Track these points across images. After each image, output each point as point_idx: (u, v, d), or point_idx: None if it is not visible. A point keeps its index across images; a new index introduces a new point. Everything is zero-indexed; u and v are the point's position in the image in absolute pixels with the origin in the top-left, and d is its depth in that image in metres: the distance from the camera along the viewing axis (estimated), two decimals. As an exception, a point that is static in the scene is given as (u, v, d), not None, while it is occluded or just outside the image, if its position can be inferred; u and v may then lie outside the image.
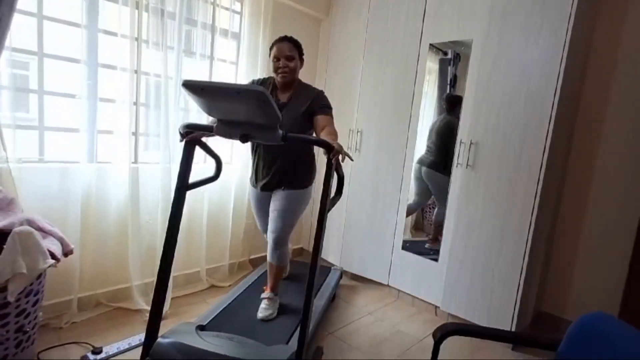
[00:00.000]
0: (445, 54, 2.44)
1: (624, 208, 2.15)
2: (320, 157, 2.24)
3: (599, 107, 2.22)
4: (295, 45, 1.83)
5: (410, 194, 2.57)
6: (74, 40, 1.91)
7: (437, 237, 2.45)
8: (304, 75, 1.95)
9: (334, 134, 1.64)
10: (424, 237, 2.64)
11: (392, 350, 2.00)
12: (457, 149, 2.27)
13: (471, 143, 2.19)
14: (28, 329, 1.56)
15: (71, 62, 1.93)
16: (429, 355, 1.15)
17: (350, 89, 2.84)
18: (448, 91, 2.44)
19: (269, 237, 1.92)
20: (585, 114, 2.27)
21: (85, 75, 1.91)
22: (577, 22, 1.86)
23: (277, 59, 1.79)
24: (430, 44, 2.40)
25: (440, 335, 1.11)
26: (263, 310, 1.92)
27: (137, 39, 2.03)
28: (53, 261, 1.54)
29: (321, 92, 1.87)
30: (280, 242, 1.90)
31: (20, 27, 1.73)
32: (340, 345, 2.01)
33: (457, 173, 2.28)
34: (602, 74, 2.20)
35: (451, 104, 2.39)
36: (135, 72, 2.06)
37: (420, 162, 2.54)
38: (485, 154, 2.15)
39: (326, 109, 1.80)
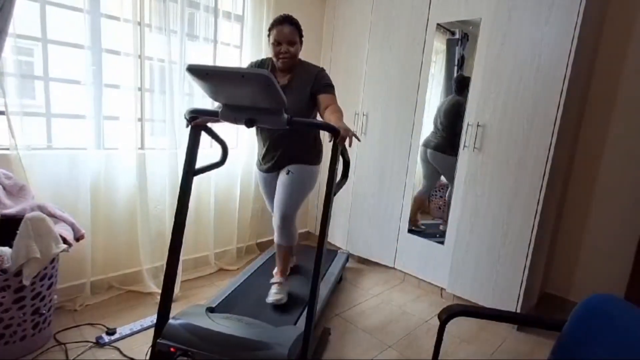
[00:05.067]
0: (453, 33, 2.38)
1: (632, 191, 2.12)
2: (325, 137, 2.23)
3: (611, 87, 2.17)
4: (297, 27, 1.75)
5: (417, 179, 2.56)
6: (77, 25, 1.89)
7: (415, 216, 2.48)
8: (309, 58, 1.92)
9: (339, 112, 1.62)
10: (431, 220, 2.64)
11: (398, 331, 2.04)
12: (464, 131, 2.24)
13: (478, 125, 2.16)
14: (44, 312, 1.62)
15: (75, 47, 1.93)
16: (435, 336, 1.17)
17: (356, 70, 2.80)
18: (456, 72, 2.40)
19: (275, 214, 1.88)
20: (597, 94, 2.22)
21: (89, 61, 1.90)
22: (590, -2, 1.80)
23: (278, 43, 1.71)
24: (438, 24, 2.34)
25: (446, 316, 1.12)
26: (273, 294, 1.90)
27: (139, 23, 2.01)
28: (65, 246, 1.58)
29: (322, 70, 1.82)
30: (286, 219, 1.85)
31: (22, 12, 1.72)
32: (347, 326, 2.05)
33: (464, 155, 2.26)
34: (616, 51, 2.14)
35: (460, 85, 2.33)
36: (139, 57, 2.04)
37: (426, 144, 2.51)
38: (493, 136, 2.12)
39: (329, 87, 1.76)
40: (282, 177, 1.88)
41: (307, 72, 1.80)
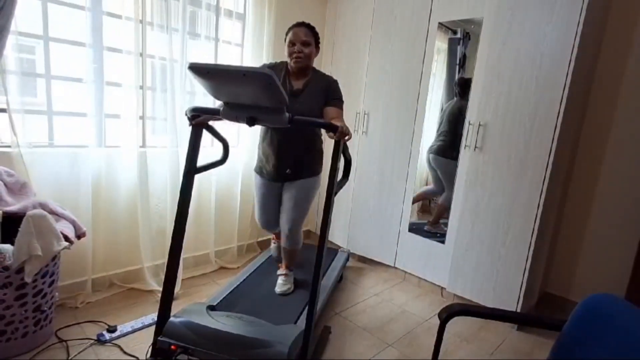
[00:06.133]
0: (455, 32, 2.37)
1: (633, 191, 2.12)
2: (327, 143, 2.23)
3: (613, 86, 2.16)
4: (312, 32, 1.80)
5: (418, 181, 2.57)
6: (78, 23, 1.89)
7: (438, 220, 2.46)
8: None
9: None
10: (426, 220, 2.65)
11: (398, 330, 2.04)
12: (465, 130, 2.24)
13: (480, 125, 2.16)
14: (45, 309, 1.62)
15: (76, 45, 1.92)
16: (435, 335, 1.18)
17: (357, 70, 2.79)
18: (457, 71, 2.39)
19: (283, 227, 1.95)
20: (599, 93, 2.21)
21: (90, 58, 1.90)
22: (592, -2, 1.80)
23: (292, 43, 1.75)
24: (440, 23, 2.34)
25: (446, 315, 1.12)
26: (281, 285, 2.03)
27: (141, 21, 2.01)
28: (67, 243, 1.58)
29: (335, 81, 1.86)
30: (294, 231, 1.96)
31: (24, 10, 1.72)
32: (348, 324, 2.05)
33: (465, 155, 2.26)
34: (618, 52, 2.13)
35: (463, 89, 2.33)
36: (141, 55, 2.04)
37: (429, 149, 2.52)
38: (494, 136, 2.12)
39: (338, 101, 1.81)
40: (290, 193, 1.91)
41: (322, 80, 1.84)
